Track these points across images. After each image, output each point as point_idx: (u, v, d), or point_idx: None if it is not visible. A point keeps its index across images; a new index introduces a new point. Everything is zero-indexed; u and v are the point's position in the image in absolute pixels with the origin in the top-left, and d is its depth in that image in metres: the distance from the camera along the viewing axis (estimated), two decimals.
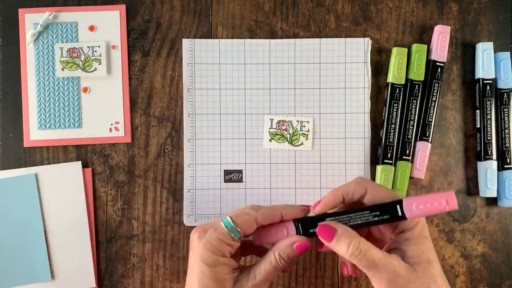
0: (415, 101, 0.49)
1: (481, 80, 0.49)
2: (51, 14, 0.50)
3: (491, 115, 0.49)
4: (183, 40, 0.50)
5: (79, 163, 0.50)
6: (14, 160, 0.50)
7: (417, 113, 0.49)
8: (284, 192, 0.50)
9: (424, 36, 0.51)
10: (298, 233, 0.36)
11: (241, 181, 0.50)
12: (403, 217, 0.33)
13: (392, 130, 0.49)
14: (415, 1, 0.51)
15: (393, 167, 0.49)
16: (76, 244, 0.49)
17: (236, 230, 0.36)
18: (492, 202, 0.50)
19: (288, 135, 0.50)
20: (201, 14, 0.51)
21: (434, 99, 0.49)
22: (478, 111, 0.50)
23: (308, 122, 0.50)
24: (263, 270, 0.36)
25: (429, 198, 0.33)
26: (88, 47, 0.50)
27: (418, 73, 0.49)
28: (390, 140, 0.49)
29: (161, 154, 0.50)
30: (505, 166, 0.49)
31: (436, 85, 0.49)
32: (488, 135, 0.49)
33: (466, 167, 0.51)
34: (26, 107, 0.50)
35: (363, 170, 0.50)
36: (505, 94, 0.49)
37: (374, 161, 0.50)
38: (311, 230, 0.36)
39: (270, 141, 0.50)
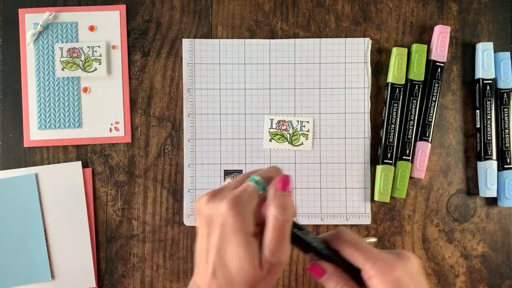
0: (415, 101, 0.49)
1: (481, 80, 0.49)
2: (51, 14, 0.50)
3: (491, 115, 0.49)
4: (183, 40, 0.50)
5: (79, 163, 0.50)
6: (14, 160, 0.50)
7: (417, 113, 0.49)
8: None
9: (424, 36, 0.51)
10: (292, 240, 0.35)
11: None
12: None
13: (392, 130, 0.49)
14: (415, 1, 0.51)
15: (393, 167, 0.49)
16: (76, 244, 0.49)
17: (266, 188, 0.34)
18: (492, 202, 0.50)
19: (288, 135, 0.50)
20: (201, 14, 0.51)
21: (434, 99, 0.49)
22: (478, 111, 0.50)
23: (308, 122, 0.50)
24: (268, 234, 0.33)
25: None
26: (88, 47, 0.50)
27: (418, 73, 0.49)
28: (390, 140, 0.49)
29: (161, 154, 0.50)
30: (505, 166, 0.49)
31: (436, 85, 0.49)
32: (488, 135, 0.49)
33: (466, 167, 0.51)
34: (26, 107, 0.50)
35: (363, 170, 0.50)
36: (505, 94, 0.49)
37: (374, 161, 0.50)
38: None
39: (270, 141, 0.50)
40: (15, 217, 0.49)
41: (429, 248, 0.50)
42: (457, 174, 0.50)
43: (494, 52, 0.50)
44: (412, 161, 0.49)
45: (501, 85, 0.49)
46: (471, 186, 0.50)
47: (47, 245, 0.48)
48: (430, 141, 0.49)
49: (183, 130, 0.50)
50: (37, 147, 0.50)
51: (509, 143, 0.49)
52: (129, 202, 0.50)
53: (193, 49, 0.50)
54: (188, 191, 0.50)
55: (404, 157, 0.49)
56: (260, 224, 0.33)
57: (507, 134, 0.49)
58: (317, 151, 0.50)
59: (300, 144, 0.50)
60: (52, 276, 0.48)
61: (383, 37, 0.51)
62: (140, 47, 0.51)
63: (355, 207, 0.50)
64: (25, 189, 0.49)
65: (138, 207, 0.50)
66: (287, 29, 0.51)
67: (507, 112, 0.49)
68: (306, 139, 0.50)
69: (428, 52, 0.50)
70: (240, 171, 0.50)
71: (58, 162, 0.50)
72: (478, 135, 0.50)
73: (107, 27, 0.50)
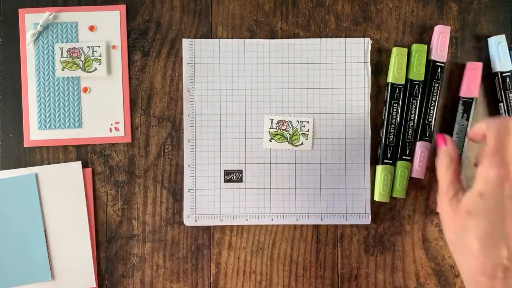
0: (415, 101, 0.49)
1: (499, 73, 0.49)
2: (51, 14, 0.50)
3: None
4: (183, 40, 0.50)
5: (79, 163, 0.50)
6: (14, 160, 0.50)
7: (417, 113, 0.49)
8: (284, 192, 0.50)
9: (424, 36, 0.51)
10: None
11: (241, 181, 0.50)
12: None
13: (392, 130, 0.49)
14: (415, 1, 0.51)
15: (393, 167, 0.49)
16: (76, 244, 0.49)
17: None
18: None
19: (288, 135, 0.50)
20: (201, 14, 0.51)
21: (434, 99, 0.49)
22: (501, 104, 0.49)
23: (308, 122, 0.50)
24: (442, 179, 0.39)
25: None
26: (88, 47, 0.50)
27: (418, 73, 0.49)
28: (390, 140, 0.49)
29: (161, 154, 0.50)
30: None
31: (436, 85, 0.49)
32: None
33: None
34: (26, 107, 0.50)
35: (363, 170, 0.50)
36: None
37: (374, 161, 0.50)
38: None
39: (270, 141, 0.50)
40: (15, 217, 0.49)
41: (429, 248, 0.50)
42: None
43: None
44: (412, 161, 0.49)
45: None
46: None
47: (47, 245, 0.49)
48: (430, 141, 0.49)
49: (183, 130, 0.50)
50: (37, 147, 0.50)
51: None
52: (129, 202, 0.50)
53: (193, 49, 0.50)
54: (188, 191, 0.50)
55: (404, 157, 0.49)
56: None
57: None
58: (317, 151, 0.50)
59: (300, 144, 0.50)
60: (52, 276, 0.48)
61: (383, 37, 0.51)
62: (140, 47, 0.51)
63: (355, 207, 0.50)
64: (25, 189, 0.49)
65: (138, 207, 0.50)
66: (287, 29, 0.51)
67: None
68: (306, 139, 0.50)
69: (428, 52, 0.50)
70: (240, 171, 0.50)
71: (58, 162, 0.50)
72: None
73: (107, 27, 0.50)
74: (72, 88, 0.50)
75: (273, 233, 0.50)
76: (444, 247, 0.50)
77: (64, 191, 0.49)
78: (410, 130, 0.49)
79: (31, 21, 0.50)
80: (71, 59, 0.50)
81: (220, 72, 0.51)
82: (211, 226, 0.50)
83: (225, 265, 0.50)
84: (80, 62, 0.50)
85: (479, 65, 0.49)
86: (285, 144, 0.50)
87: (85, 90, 0.50)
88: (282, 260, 0.50)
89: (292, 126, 0.50)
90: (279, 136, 0.50)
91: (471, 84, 0.49)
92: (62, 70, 0.50)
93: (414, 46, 0.49)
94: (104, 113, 0.50)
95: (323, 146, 0.50)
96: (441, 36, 0.49)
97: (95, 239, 0.49)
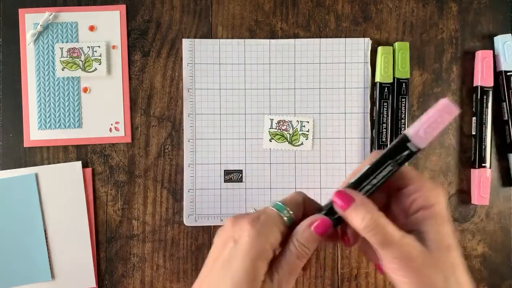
0: (403, 99, 0.49)
1: (503, 72, 0.49)
2: (51, 14, 0.50)
3: None
4: (183, 40, 0.50)
5: (79, 163, 0.50)
6: (14, 160, 0.50)
7: (407, 111, 0.49)
8: (284, 192, 0.50)
9: (423, 36, 0.51)
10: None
11: (241, 181, 0.50)
12: (416, 149, 0.30)
13: (384, 130, 0.49)
14: (415, 1, 0.51)
15: None
16: (76, 244, 0.49)
17: (289, 213, 0.32)
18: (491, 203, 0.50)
19: (288, 135, 0.50)
20: (201, 14, 0.51)
21: (485, 124, 0.49)
22: (504, 103, 0.49)
23: (308, 122, 0.50)
24: (284, 264, 0.31)
25: (429, 117, 0.29)
26: (88, 47, 0.50)
27: (404, 71, 0.49)
28: (383, 140, 0.49)
29: (161, 154, 0.50)
30: None
31: (488, 111, 0.49)
32: None
33: (466, 167, 0.50)
34: (26, 107, 0.50)
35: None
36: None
37: None
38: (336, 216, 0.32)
39: (270, 141, 0.50)
40: (15, 217, 0.49)
41: None
42: (457, 174, 0.50)
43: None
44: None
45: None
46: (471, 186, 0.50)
47: (47, 245, 0.48)
48: None
49: (183, 130, 0.50)
50: (37, 147, 0.50)
51: None
52: (129, 202, 0.50)
53: (193, 49, 0.50)
54: (188, 191, 0.50)
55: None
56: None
57: None
58: (317, 151, 0.50)
59: (300, 144, 0.50)
60: (52, 276, 0.48)
61: (383, 37, 0.51)
62: (140, 47, 0.51)
63: None
64: (25, 189, 0.49)
65: (138, 207, 0.50)
66: (287, 29, 0.51)
67: None
68: (306, 139, 0.50)
69: (473, 78, 0.50)
70: (240, 171, 0.50)
71: (58, 162, 0.50)
72: (507, 127, 0.49)
73: (107, 27, 0.50)
74: (72, 88, 0.50)
75: None
76: None
77: (64, 191, 0.49)
78: (402, 129, 0.49)
79: (31, 21, 0.50)
80: (71, 59, 0.50)
81: (220, 72, 0.51)
82: (211, 226, 0.50)
83: None
84: (80, 62, 0.50)
85: (490, 53, 0.49)
86: (285, 144, 0.50)
87: (85, 90, 0.50)
88: None
89: (292, 126, 0.50)
90: (279, 136, 0.50)
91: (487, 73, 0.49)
92: (62, 70, 0.50)
93: (397, 45, 0.49)
94: (104, 113, 0.50)
95: (323, 146, 0.50)
96: (485, 61, 0.49)
97: (95, 239, 0.49)
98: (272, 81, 0.51)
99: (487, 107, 0.49)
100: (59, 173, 0.49)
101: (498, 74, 0.50)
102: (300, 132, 0.50)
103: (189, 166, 0.50)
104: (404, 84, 0.49)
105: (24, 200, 0.49)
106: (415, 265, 0.29)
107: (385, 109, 0.49)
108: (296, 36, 0.51)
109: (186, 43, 0.50)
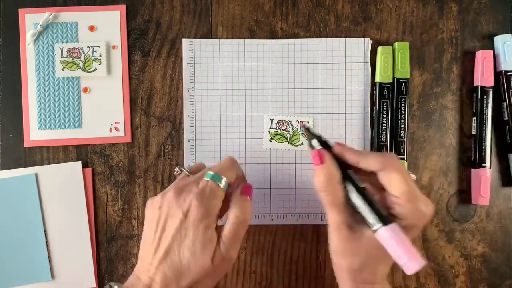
0: (403, 100, 0.49)
1: (503, 72, 0.49)
2: (51, 14, 0.50)
3: None
4: (183, 40, 0.50)
5: (79, 163, 0.50)
6: (14, 160, 0.50)
7: (406, 111, 0.49)
8: (284, 192, 0.50)
9: (423, 36, 0.51)
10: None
11: None
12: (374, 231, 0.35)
13: (384, 130, 0.49)
14: (415, 1, 0.51)
15: None
16: (76, 244, 0.49)
17: (225, 181, 0.38)
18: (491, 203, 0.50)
19: (288, 135, 0.50)
20: (201, 14, 0.51)
21: (486, 124, 0.49)
22: (504, 103, 0.49)
23: (308, 122, 0.50)
24: (228, 232, 0.37)
25: (402, 248, 0.33)
26: (88, 47, 0.50)
27: (403, 71, 0.49)
28: (383, 140, 0.49)
29: (161, 154, 0.50)
30: None
31: (488, 111, 0.49)
32: None
33: (466, 167, 0.51)
34: (26, 107, 0.50)
35: None
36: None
37: None
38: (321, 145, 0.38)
39: (270, 141, 0.50)
40: (15, 217, 0.49)
41: (429, 248, 0.50)
42: (457, 174, 0.50)
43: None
44: (407, 159, 0.49)
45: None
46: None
47: (47, 245, 0.48)
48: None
49: (183, 130, 0.50)
50: (37, 147, 0.50)
51: None
52: (129, 202, 0.50)
53: (193, 49, 0.50)
54: None
55: (399, 156, 0.49)
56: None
57: None
58: None
59: (300, 144, 0.50)
60: (52, 276, 0.48)
61: (383, 37, 0.51)
62: (140, 47, 0.51)
63: None
64: (25, 189, 0.49)
65: (138, 207, 0.50)
66: (287, 29, 0.51)
67: None
68: (306, 139, 0.50)
69: (473, 78, 0.50)
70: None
71: (58, 162, 0.50)
72: (507, 127, 0.49)
73: (107, 27, 0.50)
74: (72, 88, 0.50)
75: (273, 233, 0.50)
76: (444, 247, 0.50)
77: (64, 191, 0.49)
78: (402, 129, 0.49)
79: (31, 21, 0.50)
80: (71, 59, 0.50)
81: (220, 72, 0.51)
82: None
83: None
84: (80, 62, 0.50)
85: (490, 53, 0.49)
86: (285, 144, 0.50)
87: (85, 90, 0.50)
88: (282, 260, 0.50)
89: (292, 126, 0.50)
90: (279, 136, 0.50)
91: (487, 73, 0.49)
92: (62, 70, 0.50)
93: (397, 45, 0.49)
94: (104, 113, 0.50)
95: None
96: (485, 61, 0.49)
97: (95, 239, 0.49)
98: (272, 81, 0.51)
99: (487, 107, 0.49)
100: (59, 173, 0.49)
101: (498, 74, 0.50)
102: (300, 132, 0.50)
103: (189, 166, 0.50)
104: (404, 84, 0.49)
105: (24, 200, 0.49)
106: (343, 233, 0.36)
107: (385, 109, 0.49)
108: (296, 36, 0.51)
109: (186, 43, 0.50)
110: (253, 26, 0.51)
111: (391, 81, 0.49)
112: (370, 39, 0.51)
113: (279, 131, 0.50)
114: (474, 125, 0.50)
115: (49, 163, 0.50)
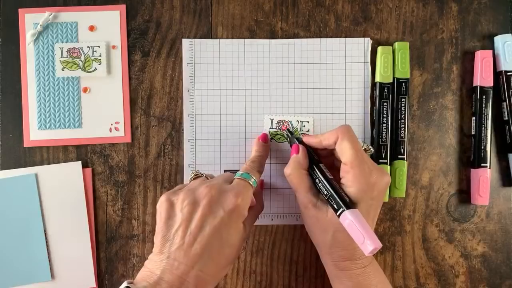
0: (403, 100, 0.49)
1: (503, 72, 0.49)
2: (51, 14, 0.50)
3: None
4: (183, 40, 0.50)
5: (79, 163, 0.50)
6: (14, 160, 0.50)
7: (407, 111, 0.49)
8: (285, 192, 0.50)
9: (423, 36, 0.51)
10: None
11: None
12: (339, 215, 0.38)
13: (384, 130, 0.49)
14: (415, 1, 0.51)
15: (389, 166, 0.49)
16: (76, 244, 0.49)
17: (254, 179, 0.41)
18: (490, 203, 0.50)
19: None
20: (201, 14, 0.51)
21: (485, 124, 0.49)
22: (504, 103, 0.49)
23: (308, 122, 0.50)
24: (253, 217, 0.43)
25: (361, 230, 0.35)
26: (88, 47, 0.50)
27: (403, 71, 0.49)
28: (383, 140, 0.49)
29: (161, 154, 0.50)
30: None
31: (488, 111, 0.49)
32: None
33: (466, 167, 0.51)
34: (26, 107, 0.50)
35: None
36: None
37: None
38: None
39: (270, 141, 0.50)
40: (15, 217, 0.49)
41: (429, 248, 0.50)
42: (457, 174, 0.50)
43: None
44: (407, 160, 0.49)
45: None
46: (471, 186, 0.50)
47: (47, 245, 0.48)
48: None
49: (183, 130, 0.50)
50: (37, 147, 0.50)
51: None
52: (129, 202, 0.50)
53: (193, 49, 0.50)
54: None
55: (399, 156, 0.49)
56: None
57: None
58: None
59: None
60: (52, 276, 0.48)
61: (383, 37, 0.51)
62: (140, 47, 0.51)
63: None
64: (25, 189, 0.49)
65: (138, 207, 0.50)
66: (287, 29, 0.51)
67: None
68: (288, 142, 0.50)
69: (473, 78, 0.50)
70: None
71: (58, 162, 0.50)
72: (507, 127, 0.49)
73: (107, 27, 0.50)
74: (72, 88, 0.50)
75: (273, 233, 0.50)
76: (444, 247, 0.50)
77: (64, 191, 0.49)
78: (402, 129, 0.49)
79: (31, 21, 0.50)
80: (71, 59, 0.50)
81: (220, 72, 0.51)
82: None
83: None
84: (80, 62, 0.50)
85: (490, 53, 0.49)
86: (285, 144, 0.50)
87: (85, 90, 0.50)
88: (282, 260, 0.50)
89: (292, 126, 0.50)
90: (279, 136, 0.50)
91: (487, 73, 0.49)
92: (62, 70, 0.50)
93: (397, 44, 0.49)
94: (104, 113, 0.50)
95: None
96: (484, 61, 0.49)
97: (95, 239, 0.49)
98: (272, 81, 0.51)
99: (487, 107, 0.49)
100: (59, 173, 0.49)
101: (498, 74, 0.50)
102: (300, 132, 0.50)
103: (189, 166, 0.50)
104: (404, 84, 0.49)
105: (24, 200, 0.49)
106: (311, 212, 0.41)
107: (385, 109, 0.49)
108: (296, 36, 0.51)
109: (186, 43, 0.50)
110: (253, 26, 0.51)
111: (391, 81, 0.49)
112: (370, 39, 0.51)
113: (279, 131, 0.50)
114: (474, 125, 0.50)
115: (49, 163, 0.50)
